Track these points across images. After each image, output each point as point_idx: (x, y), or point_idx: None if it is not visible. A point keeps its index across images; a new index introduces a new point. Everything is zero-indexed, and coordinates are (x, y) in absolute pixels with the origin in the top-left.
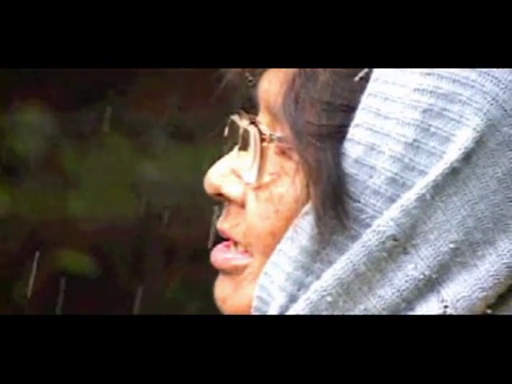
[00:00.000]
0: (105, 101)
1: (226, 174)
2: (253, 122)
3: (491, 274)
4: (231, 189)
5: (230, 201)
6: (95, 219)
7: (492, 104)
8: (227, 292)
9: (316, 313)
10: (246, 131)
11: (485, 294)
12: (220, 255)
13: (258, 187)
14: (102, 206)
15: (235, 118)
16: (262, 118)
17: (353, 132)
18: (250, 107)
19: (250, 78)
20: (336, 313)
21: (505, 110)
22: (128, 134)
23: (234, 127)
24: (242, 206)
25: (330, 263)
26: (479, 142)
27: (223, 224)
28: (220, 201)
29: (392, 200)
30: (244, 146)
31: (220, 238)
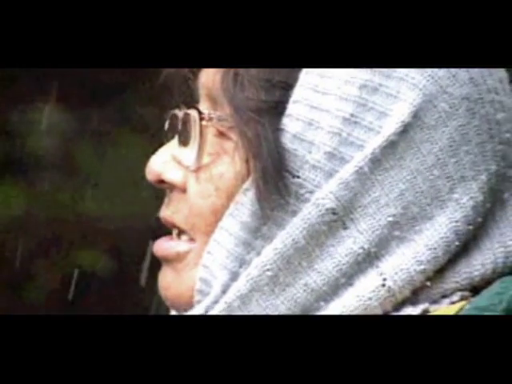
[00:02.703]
0: (121, 99)
1: (167, 160)
2: (193, 106)
3: (429, 247)
4: (172, 175)
5: (171, 187)
6: (111, 218)
7: (428, 80)
8: (170, 280)
9: (257, 288)
10: (186, 115)
11: (423, 267)
12: (162, 244)
13: (198, 169)
14: (118, 204)
15: (176, 111)
16: (202, 105)
17: (291, 108)
18: (190, 102)
19: (189, 74)
20: (277, 288)
21: (441, 87)
22: (144, 132)
23: (174, 120)
24: (184, 191)
25: (271, 239)
26: (415, 117)
27: (165, 211)
28: (162, 188)
29: (330, 175)
30: (184, 132)
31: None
